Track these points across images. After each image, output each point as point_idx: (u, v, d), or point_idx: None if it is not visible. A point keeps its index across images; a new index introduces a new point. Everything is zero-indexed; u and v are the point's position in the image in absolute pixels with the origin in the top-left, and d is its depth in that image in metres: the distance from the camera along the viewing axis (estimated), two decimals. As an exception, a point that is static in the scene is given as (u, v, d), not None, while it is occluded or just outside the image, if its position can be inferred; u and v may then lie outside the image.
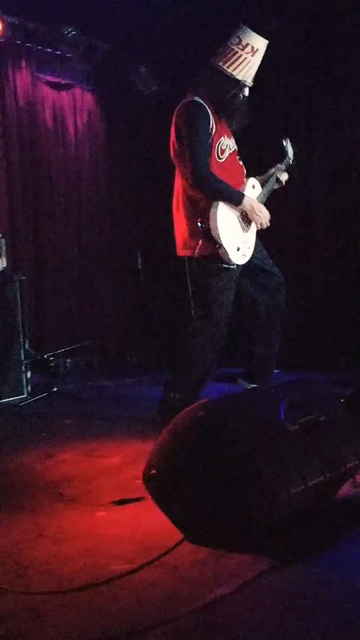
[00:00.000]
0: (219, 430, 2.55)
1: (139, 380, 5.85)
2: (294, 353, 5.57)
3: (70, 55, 6.33)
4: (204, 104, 4.11)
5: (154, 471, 2.69)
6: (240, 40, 4.12)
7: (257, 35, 4.15)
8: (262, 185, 4.46)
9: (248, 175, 4.42)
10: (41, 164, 6.42)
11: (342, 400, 3.74)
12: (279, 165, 4.57)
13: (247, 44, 4.12)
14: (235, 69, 4.13)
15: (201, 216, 4.10)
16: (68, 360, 6.18)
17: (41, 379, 5.58)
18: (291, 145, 4.66)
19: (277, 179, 4.57)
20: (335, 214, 6.28)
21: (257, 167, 4.57)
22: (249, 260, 4.33)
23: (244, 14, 5.98)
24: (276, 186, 4.59)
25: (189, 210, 4.21)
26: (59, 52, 6.34)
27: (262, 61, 4.22)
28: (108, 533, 2.73)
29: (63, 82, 6.58)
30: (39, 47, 6.28)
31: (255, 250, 4.40)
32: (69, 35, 6.08)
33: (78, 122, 6.71)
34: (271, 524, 2.46)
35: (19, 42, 6.11)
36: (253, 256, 4.37)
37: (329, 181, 6.29)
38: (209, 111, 4.11)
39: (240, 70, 4.14)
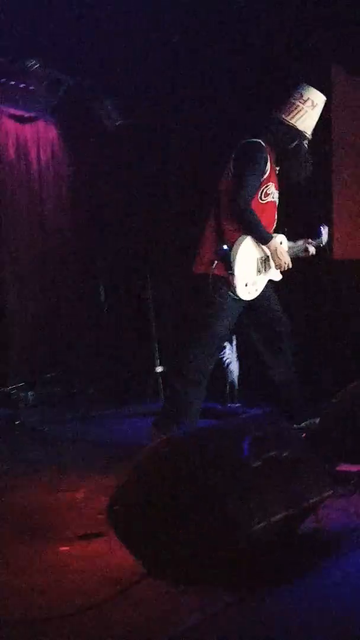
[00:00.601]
0: (182, 466, 2.58)
1: (102, 414, 5.83)
2: (259, 387, 5.61)
3: (34, 88, 6.33)
4: (266, 148, 4.48)
5: (117, 506, 2.71)
6: (302, 95, 4.54)
7: (317, 91, 4.58)
8: (289, 247, 4.72)
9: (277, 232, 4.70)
10: (3, 198, 6.41)
11: (304, 435, 3.81)
12: (310, 239, 4.88)
13: (308, 99, 4.54)
14: (297, 120, 4.53)
15: (226, 242, 4.40)
16: (30, 393, 6.16)
17: (3, 412, 5.54)
18: (328, 234, 5.00)
19: (306, 249, 4.86)
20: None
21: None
22: (257, 308, 4.62)
23: (208, 53, 6.18)
24: (302, 254, 4.87)
25: (215, 235, 4.49)
26: (22, 85, 6.34)
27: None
28: (72, 567, 2.73)
29: (26, 115, 6.57)
30: (3, 80, 6.26)
31: (266, 298, 4.67)
32: (33, 68, 6.09)
33: (42, 156, 6.70)
34: (233, 558, 2.48)
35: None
36: (262, 304, 4.64)
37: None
38: (268, 156, 4.48)
39: (302, 122, 4.54)
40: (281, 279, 5.62)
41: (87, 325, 6.88)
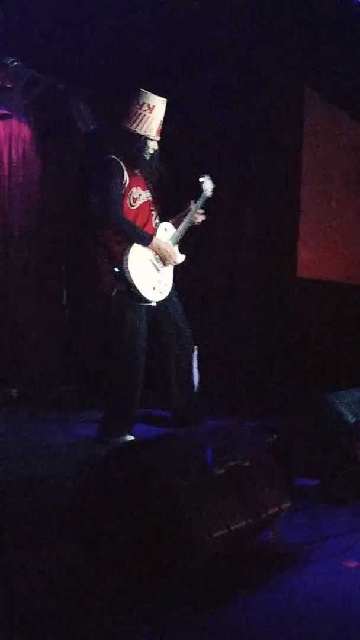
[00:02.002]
0: (144, 471, 2.56)
1: (60, 417, 5.77)
2: (219, 400, 5.64)
3: (10, 85, 6.30)
4: (118, 160, 4.69)
5: (73, 513, 2.68)
6: (138, 101, 4.75)
7: (153, 94, 4.77)
8: (176, 225, 4.95)
9: (162, 219, 4.94)
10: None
11: (265, 446, 3.80)
12: (192, 205, 4.99)
13: (144, 103, 4.74)
14: (137, 125, 4.73)
15: (116, 261, 4.63)
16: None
17: None
18: (210, 181, 5.10)
19: (192, 220, 5.00)
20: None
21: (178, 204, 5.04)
22: (165, 304, 4.80)
23: (185, 57, 6.21)
24: (196, 223, 5.03)
25: (105, 256, 4.73)
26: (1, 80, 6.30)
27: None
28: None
29: (0, 112, 6.54)
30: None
31: (172, 307, 4.88)
32: (11, 66, 6.07)
33: (13, 154, 6.68)
34: (192, 566, 2.47)
35: None
36: (169, 302, 4.83)
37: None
38: (123, 166, 4.69)
39: (142, 126, 4.74)
40: (246, 295, 5.73)
41: (50, 327, 6.84)
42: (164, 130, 4.88)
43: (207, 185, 5.09)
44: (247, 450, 2.95)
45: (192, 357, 5.11)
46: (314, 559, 2.89)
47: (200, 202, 5.03)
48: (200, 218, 5.05)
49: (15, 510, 3.41)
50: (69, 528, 2.71)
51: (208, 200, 5.09)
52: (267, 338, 6.32)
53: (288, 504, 2.97)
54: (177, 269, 4.97)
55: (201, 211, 5.04)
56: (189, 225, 4.97)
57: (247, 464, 2.83)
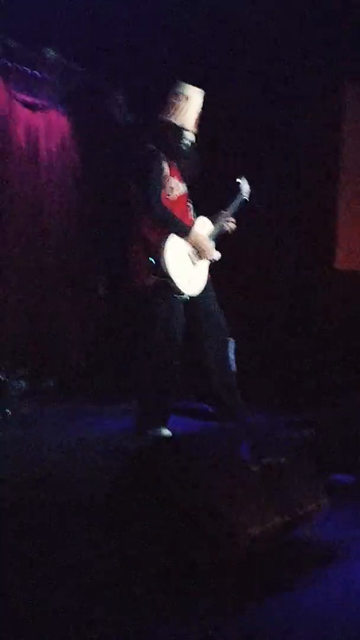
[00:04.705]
0: (182, 467, 2.55)
1: (97, 408, 5.78)
2: (256, 394, 5.60)
3: (48, 76, 6.32)
4: (158, 150, 4.68)
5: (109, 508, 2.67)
6: (175, 92, 4.75)
7: (189, 85, 4.77)
8: (213, 222, 4.94)
9: (198, 215, 4.92)
10: (10, 183, 6.37)
11: (301, 442, 3.77)
12: (223, 212, 4.99)
13: (181, 94, 4.74)
14: (173, 116, 4.73)
15: (153, 252, 4.57)
16: (23, 383, 6.11)
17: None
18: (247, 183, 5.10)
19: (223, 228, 5.00)
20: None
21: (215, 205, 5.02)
22: (201, 299, 4.79)
23: (222, 50, 6.18)
24: (226, 231, 5.02)
25: (141, 246, 4.68)
26: (37, 73, 6.31)
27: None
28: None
29: (39, 103, 6.54)
30: (18, 66, 6.24)
31: (208, 301, 4.87)
32: (49, 57, 6.08)
33: (51, 145, 6.68)
34: (226, 562, 2.45)
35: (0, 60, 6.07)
36: (205, 297, 4.81)
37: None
38: (162, 156, 4.69)
39: (177, 117, 4.73)
40: (285, 288, 5.70)
41: (87, 319, 6.86)
42: (201, 125, 4.85)
43: (245, 187, 5.07)
44: (283, 447, 2.94)
45: (229, 350, 5.07)
46: (351, 555, 2.86)
47: (236, 204, 5.01)
48: (231, 225, 5.02)
49: (49, 501, 3.42)
50: (104, 520, 2.71)
51: (244, 203, 5.06)
52: (304, 331, 6.28)
53: (325, 501, 2.94)
54: (214, 263, 4.94)
55: (233, 220, 5.01)
56: (221, 229, 4.95)
57: (282, 460, 2.81)
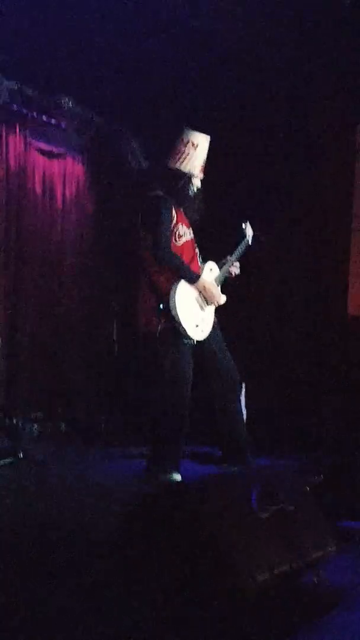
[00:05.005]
0: (191, 513, 2.58)
1: (107, 451, 5.80)
2: (265, 437, 5.62)
3: (65, 125, 6.45)
4: (167, 197, 4.76)
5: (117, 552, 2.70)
6: (183, 139, 4.82)
7: (197, 132, 4.83)
8: (220, 268, 4.98)
9: (206, 259, 4.96)
10: (26, 231, 6.49)
11: (308, 488, 3.78)
12: (229, 257, 5.03)
13: (189, 141, 4.81)
14: (181, 164, 4.80)
15: (162, 297, 4.64)
16: (36, 425, 6.16)
17: (7, 444, 5.52)
18: (251, 228, 5.14)
19: (229, 272, 5.03)
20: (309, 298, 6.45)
21: (220, 249, 5.07)
22: (208, 342, 4.81)
23: (234, 107, 6.31)
24: (230, 274, 5.05)
25: (151, 292, 4.79)
26: (54, 121, 6.45)
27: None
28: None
29: (55, 150, 6.68)
30: (35, 115, 6.39)
31: (215, 336, 4.87)
32: (66, 107, 6.22)
33: (67, 192, 6.81)
34: (235, 610, 2.47)
35: (16, 107, 6.22)
36: (212, 341, 4.84)
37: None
38: (171, 203, 4.75)
39: (186, 164, 4.81)
40: (295, 333, 5.74)
41: (100, 363, 6.92)
42: (213, 169, 4.95)
43: (249, 232, 5.14)
44: (292, 494, 2.96)
45: (239, 394, 5.11)
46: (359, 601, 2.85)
47: (241, 248, 5.06)
48: (236, 270, 5.06)
49: (56, 545, 3.43)
50: (111, 565, 2.73)
51: (248, 248, 5.11)
52: (317, 376, 6.31)
53: (333, 548, 2.96)
54: (225, 306, 4.99)
55: (237, 264, 5.06)
56: (226, 274, 5.00)
57: (291, 507, 2.83)
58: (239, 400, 5.11)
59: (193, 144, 4.82)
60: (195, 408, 4.82)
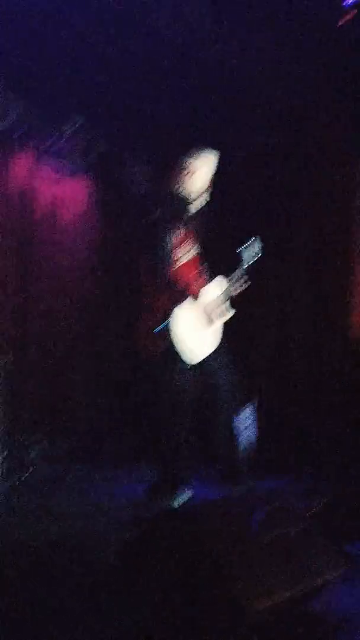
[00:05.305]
0: (193, 538, 2.57)
1: (113, 474, 5.79)
2: (270, 459, 5.60)
3: (70, 147, 6.49)
4: (168, 218, 4.74)
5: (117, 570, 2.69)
6: (185, 161, 4.86)
7: (199, 153, 4.87)
8: (226, 284, 4.96)
9: (213, 274, 5.00)
10: (33, 252, 6.51)
11: (311, 512, 3.77)
12: (236, 272, 4.98)
13: (190, 162, 4.85)
14: (183, 185, 4.85)
15: (162, 319, 4.64)
16: (38, 446, 6.14)
17: (10, 465, 5.50)
18: (253, 247, 5.09)
19: (234, 286, 5.00)
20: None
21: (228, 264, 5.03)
22: (210, 366, 4.80)
23: (236, 122, 6.34)
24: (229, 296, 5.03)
25: (151, 314, 4.74)
26: (58, 146, 6.48)
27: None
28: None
29: (61, 172, 6.71)
30: (43, 137, 6.42)
31: (218, 363, 4.86)
32: (73, 130, 6.26)
33: (73, 214, 6.83)
34: (236, 637, 2.45)
35: (24, 129, 6.25)
36: (215, 364, 4.83)
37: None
38: (172, 223, 4.74)
39: (188, 185, 4.85)
40: (295, 353, 5.74)
41: (102, 384, 6.92)
42: (216, 186, 4.96)
43: (256, 247, 5.12)
44: (294, 518, 2.94)
45: (241, 414, 5.09)
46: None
47: (247, 264, 5.04)
48: (242, 285, 5.05)
49: (60, 569, 3.41)
50: (112, 588, 2.72)
51: (251, 266, 5.08)
52: (320, 398, 6.29)
53: (337, 573, 2.93)
54: (226, 326, 5.00)
55: (243, 279, 5.02)
56: (233, 289, 4.98)
57: (294, 531, 2.82)
58: (245, 421, 5.08)
59: (197, 165, 4.87)
60: (197, 429, 4.82)
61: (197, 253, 4.97)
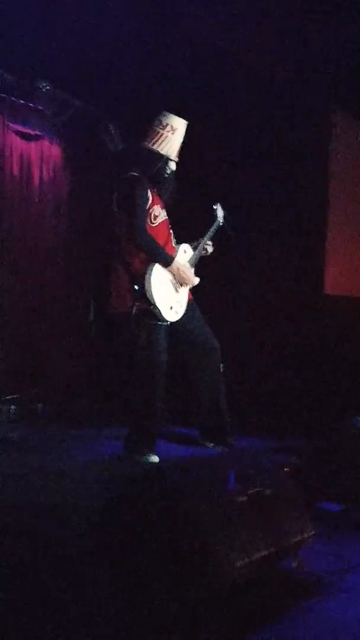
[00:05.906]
0: (168, 498, 2.58)
1: (84, 433, 5.79)
2: (244, 418, 5.63)
3: (42, 108, 6.39)
4: (142, 178, 4.79)
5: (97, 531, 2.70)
6: (161, 122, 4.87)
7: (176, 116, 4.88)
8: (193, 249, 5.06)
9: (179, 241, 5.04)
10: (2, 212, 6.43)
11: (287, 471, 3.80)
12: (201, 239, 5.11)
13: (167, 124, 4.86)
14: (158, 145, 4.85)
15: (137, 279, 4.68)
16: (12, 407, 6.13)
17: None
18: (222, 209, 5.24)
19: (204, 249, 5.13)
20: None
21: (192, 230, 5.16)
22: (183, 322, 4.89)
23: (209, 81, 6.29)
24: (204, 254, 5.15)
25: (124, 273, 4.79)
26: (31, 104, 6.38)
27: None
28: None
29: (33, 133, 6.61)
30: (12, 98, 6.32)
31: (191, 314, 4.97)
32: (44, 90, 6.16)
33: (44, 174, 6.75)
34: (213, 596, 2.48)
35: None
36: (188, 320, 4.93)
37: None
38: (147, 184, 4.79)
39: (163, 147, 4.86)
40: (273, 312, 5.77)
41: (76, 344, 6.91)
42: (183, 152, 4.96)
43: (220, 213, 5.21)
44: (270, 477, 2.96)
45: (219, 366, 5.11)
46: (339, 588, 2.86)
47: (213, 229, 5.14)
48: (209, 249, 5.15)
49: (36, 530, 3.41)
50: (92, 549, 2.73)
51: (220, 228, 5.20)
52: (294, 356, 6.33)
53: (312, 533, 2.97)
54: (203, 287, 5.06)
55: (210, 243, 5.13)
56: (200, 255, 5.06)
57: (269, 491, 2.84)
58: (219, 372, 5.11)
59: (172, 128, 4.86)
60: (172, 389, 4.85)
61: (169, 215, 4.97)
